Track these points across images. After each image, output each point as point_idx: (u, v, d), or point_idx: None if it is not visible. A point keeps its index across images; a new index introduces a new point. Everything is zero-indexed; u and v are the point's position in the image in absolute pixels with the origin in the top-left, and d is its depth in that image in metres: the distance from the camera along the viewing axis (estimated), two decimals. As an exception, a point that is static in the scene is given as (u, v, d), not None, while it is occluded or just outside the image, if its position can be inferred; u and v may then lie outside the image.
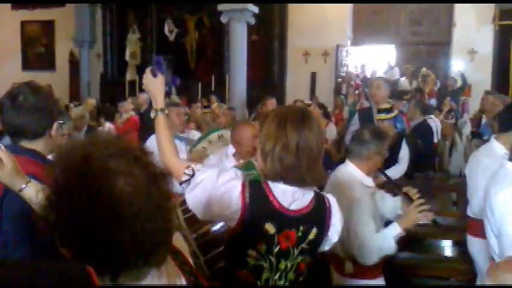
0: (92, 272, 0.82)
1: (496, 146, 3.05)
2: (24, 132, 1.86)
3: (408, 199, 2.70)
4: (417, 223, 2.64)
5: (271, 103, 7.23)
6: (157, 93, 1.98)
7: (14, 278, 0.76)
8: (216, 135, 4.27)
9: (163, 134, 1.95)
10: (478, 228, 2.87)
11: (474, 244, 3.19)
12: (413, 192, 2.72)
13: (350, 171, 2.78)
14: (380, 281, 2.81)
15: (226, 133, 4.26)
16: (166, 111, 1.99)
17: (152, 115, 1.97)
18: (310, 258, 1.92)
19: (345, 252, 2.73)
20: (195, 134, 4.71)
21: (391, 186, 2.98)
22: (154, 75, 1.98)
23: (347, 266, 2.74)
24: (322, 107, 8.03)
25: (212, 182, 1.76)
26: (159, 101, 1.97)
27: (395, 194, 2.94)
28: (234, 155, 3.23)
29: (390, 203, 2.86)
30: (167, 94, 2.02)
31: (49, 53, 15.68)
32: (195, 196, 1.77)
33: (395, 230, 2.56)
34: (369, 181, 2.80)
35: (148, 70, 2.01)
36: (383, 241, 2.56)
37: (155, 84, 1.98)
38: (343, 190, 2.67)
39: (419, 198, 2.65)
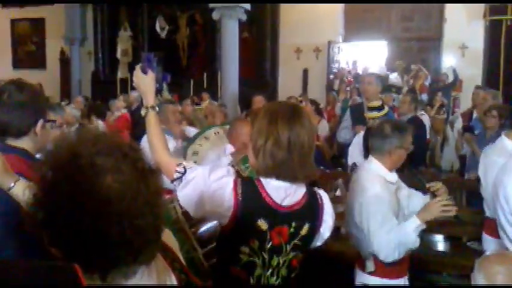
0: (79, 270, 0.81)
1: (507, 144, 3.08)
2: (8, 130, 1.84)
3: (433, 195, 2.65)
4: (438, 217, 2.57)
5: (258, 100, 7.25)
6: (148, 91, 1.97)
7: None
8: (212, 132, 4.27)
9: (154, 132, 1.94)
10: (494, 227, 2.87)
11: (490, 243, 3.21)
12: (438, 186, 2.67)
13: (372, 167, 2.73)
14: (404, 280, 2.76)
15: (222, 130, 4.25)
16: (157, 109, 1.98)
17: (143, 112, 1.96)
18: (302, 255, 1.92)
19: (364, 250, 2.71)
20: (190, 131, 4.64)
21: (415, 182, 2.93)
22: (145, 73, 1.97)
23: (367, 264, 2.72)
24: (314, 103, 8.06)
25: (204, 179, 1.76)
26: (150, 99, 1.97)
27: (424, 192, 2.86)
28: (233, 154, 3.22)
29: (420, 201, 2.77)
30: (158, 91, 2.02)
31: (40, 51, 15.59)
32: (186, 194, 1.77)
33: (414, 223, 2.51)
34: (392, 177, 2.73)
35: (138, 67, 2.00)
36: (402, 235, 2.51)
37: (145, 82, 1.98)
38: (364, 186, 2.65)
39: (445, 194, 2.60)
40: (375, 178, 2.66)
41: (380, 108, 4.56)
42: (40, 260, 0.88)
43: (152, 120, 1.94)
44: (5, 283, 0.76)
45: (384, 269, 2.66)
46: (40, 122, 1.90)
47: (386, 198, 2.60)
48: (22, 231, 1.07)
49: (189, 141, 4.23)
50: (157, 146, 1.92)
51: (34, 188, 1.00)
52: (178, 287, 1.19)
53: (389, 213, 2.57)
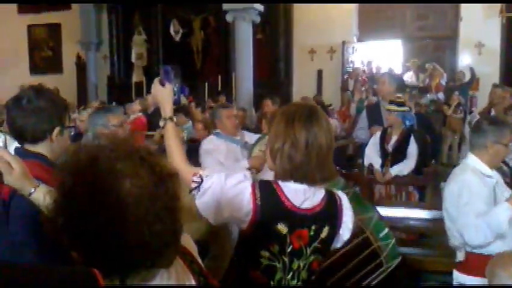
0: (98, 274, 0.82)
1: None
2: (24, 135, 1.86)
3: None
4: None
5: (266, 104, 7.27)
6: (165, 102, 2.02)
7: (17, 281, 0.76)
8: (257, 150, 4.13)
9: (172, 142, 1.97)
10: None
11: None
12: None
13: (469, 161, 2.74)
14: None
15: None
16: (175, 119, 2.03)
17: (161, 123, 2.00)
18: (322, 257, 1.91)
19: (454, 240, 2.73)
20: (247, 135, 4.41)
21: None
22: (162, 85, 2.02)
23: (457, 254, 2.73)
24: (321, 103, 8.02)
25: (220, 186, 1.76)
26: (167, 110, 2.00)
27: None
28: None
29: None
30: (176, 103, 2.06)
31: (56, 56, 15.76)
32: (204, 202, 1.77)
33: (504, 207, 2.51)
34: (489, 171, 2.72)
35: (156, 80, 2.05)
36: (493, 220, 2.51)
37: (163, 94, 2.02)
38: (455, 174, 2.72)
39: None
40: (469, 168, 2.70)
41: (400, 104, 4.54)
42: (60, 265, 0.89)
43: (170, 131, 1.97)
44: (25, 286, 0.77)
45: (473, 264, 2.63)
46: (57, 129, 1.90)
47: (475, 185, 2.61)
48: (43, 236, 1.08)
49: (247, 146, 4.11)
50: (175, 156, 1.94)
51: (54, 193, 1.01)
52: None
53: (480, 201, 2.58)
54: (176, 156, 1.93)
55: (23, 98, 1.85)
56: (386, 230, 2.41)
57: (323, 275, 2.22)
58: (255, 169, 3.47)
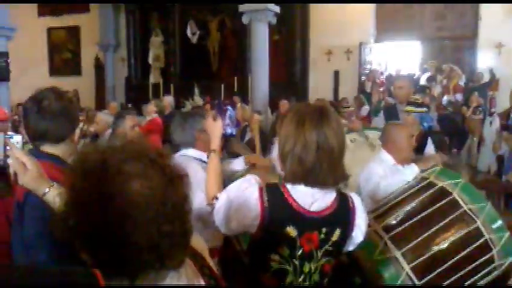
0: (99, 275, 0.82)
1: None
2: (48, 137, 1.88)
3: None
4: None
5: (283, 105, 7.22)
6: (214, 136, 2.17)
7: (16, 282, 0.77)
8: (348, 140, 4.09)
9: (212, 171, 2.07)
10: None
11: None
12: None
13: None
14: None
15: (359, 136, 4.12)
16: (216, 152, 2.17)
17: (207, 154, 2.16)
18: (334, 260, 1.88)
19: None
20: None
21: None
22: (215, 119, 2.19)
23: None
24: (333, 105, 7.95)
25: (228, 200, 1.80)
26: (214, 143, 2.15)
27: None
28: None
29: None
30: (231, 136, 2.23)
31: (75, 58, 15.98)
32: (217, 214, 1.82)
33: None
34: None
35: (211, 114, 2.23)
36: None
37: (213, 128, 2.18)
38: None
39: None
40: None
41: (419, 105, 4.50)
42: (62, 266, 0.89)
43: (212, 162, 2.09)
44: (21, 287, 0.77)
45: None
46: (78, 130, 1.94)
47: None
48: (56, 237, 1.09)
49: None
50: (211, 183, 2.02)
51: (65, 194, 1.01)
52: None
53: None
54: (213, 184, 2.01)
55: (43, 99, 1.86)
56: (500, 221, 2.21)
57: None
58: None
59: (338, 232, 1.81)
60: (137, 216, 0.95)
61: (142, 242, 0.95)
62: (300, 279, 1.81)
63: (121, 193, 0.95)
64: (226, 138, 2.31)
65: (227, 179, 2.52)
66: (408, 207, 2.34)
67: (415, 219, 2.26)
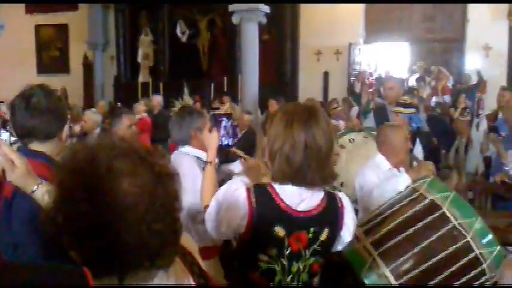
0: (88, 273, 0.81)
1: None
2: (36, 134, 1.86)
3: None
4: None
5: (271, 105, 7.23)
6: (210, 148, 2.20)
7: (3, 279, 0.75)
8: (347, 139, 4.11)
9: (207, 183, 2.15)
10: None
11: None
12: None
13: None
14: None
15: (357, 136, 4.09)
16: (216, 164, 2.23)
17: (202, 165, 2.20)
18: (323, 259, 1.89)
19: None
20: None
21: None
22: (211, 131, 2.23)
23: None
24: (322, 105, 7.97)
25: (217, 205, 1.82)
26: (210, 155, 2.19)
27: None
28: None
29: None
30: (228, 147, 2.26)
31: (63, 56, 15.83)
32: (208, 219, 1.86)
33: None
34: None
35: (208, 126, 2.25)
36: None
37: (209, 139, 2.22)
38: None
39: None
40: None
41: (407, 106, 4.53)
42: (50, 263, 0.88)
43: (208, 173, 2.15)
44: (9, 285, 0.76)
45: None
46: (66, 128, 1.95)
47: None
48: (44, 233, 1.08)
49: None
50: (205, 193, 2.08)
51: (53, 192, 1.00)
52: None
53: None
54: (208, 194, 2.06)
55: (32, 96, 1.85)
56: (490, 235, 2.25)
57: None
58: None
59: (326, 232, 1.81)
60: (127, 214, 0.94)
61: (132, 240, 0.94)
62: (289, 279, 1.81)
63: (111, 191, 0.94)
64: (224, 149, 2.35)
65: (226, 178, 2.55)
66: (397, 221, 2.32)
67: (404, 234, 2.25)
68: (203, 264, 1.33)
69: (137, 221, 0.95)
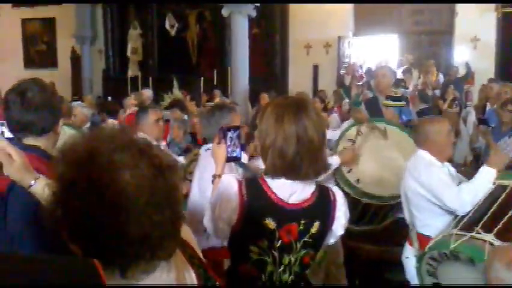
0: (99, 265, 0.81)
1: None
2: (31, 129, 1.86)
3: None
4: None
5: (263, 98, 7.23)
6: (218, 160, 2.09)
7: (17, 272, 0.75)
8: (353, 132, 4.04)
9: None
10: None
11: None
12: None
13: None
14: None
15: (366, 128, 4.04)
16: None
17: (211, 178, 2.10)
18: (314, 252, 1.90)
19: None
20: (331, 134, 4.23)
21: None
22: (218, 143, 2.10)
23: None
24: (323, 101, 8.00)
25: (213, 198, 1.86)
26: (218, 168, 2.07)
27: None
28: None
29: None
30: (236, 159, 2.12)
31: (51, 50, 15.67)
32: (206, 219, 1.88)
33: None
34: None
35: (215, 138, 2.13)
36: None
37: (217, 152, 2.10)
38: None
39: None
40: None
41: (396, 99, 4.54)
42: (60, 255, 0.88)
43: (216, 186, 2.05)
44: (22, 278, 0.76)
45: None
46: (61, 122, 1.95)
47: None
48: (41, 228, 1.08)
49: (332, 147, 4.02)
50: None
51: (53, 185, 1.00)
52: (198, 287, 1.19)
53: None
54: None
55: (27, 91, 1.84)
56: None
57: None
58: (346, 164, 3.56)
59: (317, 224, 1.83)
60: (128, 206, 0.94)
61: (133, 232, 0.95)
62: (280, 270, 1.83)
63: (111, 183, 0.94)
64: (237, 162, 2.25)
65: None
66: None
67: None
68: None
69: (139, 212, 0.95)
